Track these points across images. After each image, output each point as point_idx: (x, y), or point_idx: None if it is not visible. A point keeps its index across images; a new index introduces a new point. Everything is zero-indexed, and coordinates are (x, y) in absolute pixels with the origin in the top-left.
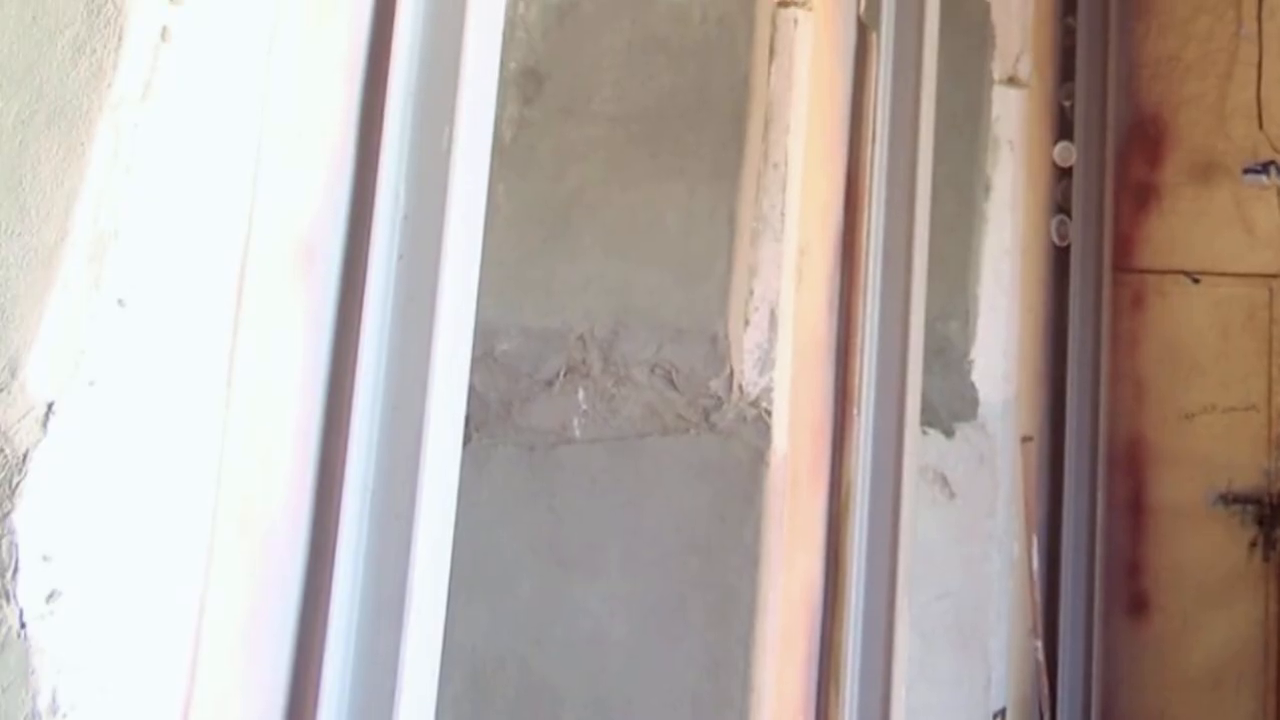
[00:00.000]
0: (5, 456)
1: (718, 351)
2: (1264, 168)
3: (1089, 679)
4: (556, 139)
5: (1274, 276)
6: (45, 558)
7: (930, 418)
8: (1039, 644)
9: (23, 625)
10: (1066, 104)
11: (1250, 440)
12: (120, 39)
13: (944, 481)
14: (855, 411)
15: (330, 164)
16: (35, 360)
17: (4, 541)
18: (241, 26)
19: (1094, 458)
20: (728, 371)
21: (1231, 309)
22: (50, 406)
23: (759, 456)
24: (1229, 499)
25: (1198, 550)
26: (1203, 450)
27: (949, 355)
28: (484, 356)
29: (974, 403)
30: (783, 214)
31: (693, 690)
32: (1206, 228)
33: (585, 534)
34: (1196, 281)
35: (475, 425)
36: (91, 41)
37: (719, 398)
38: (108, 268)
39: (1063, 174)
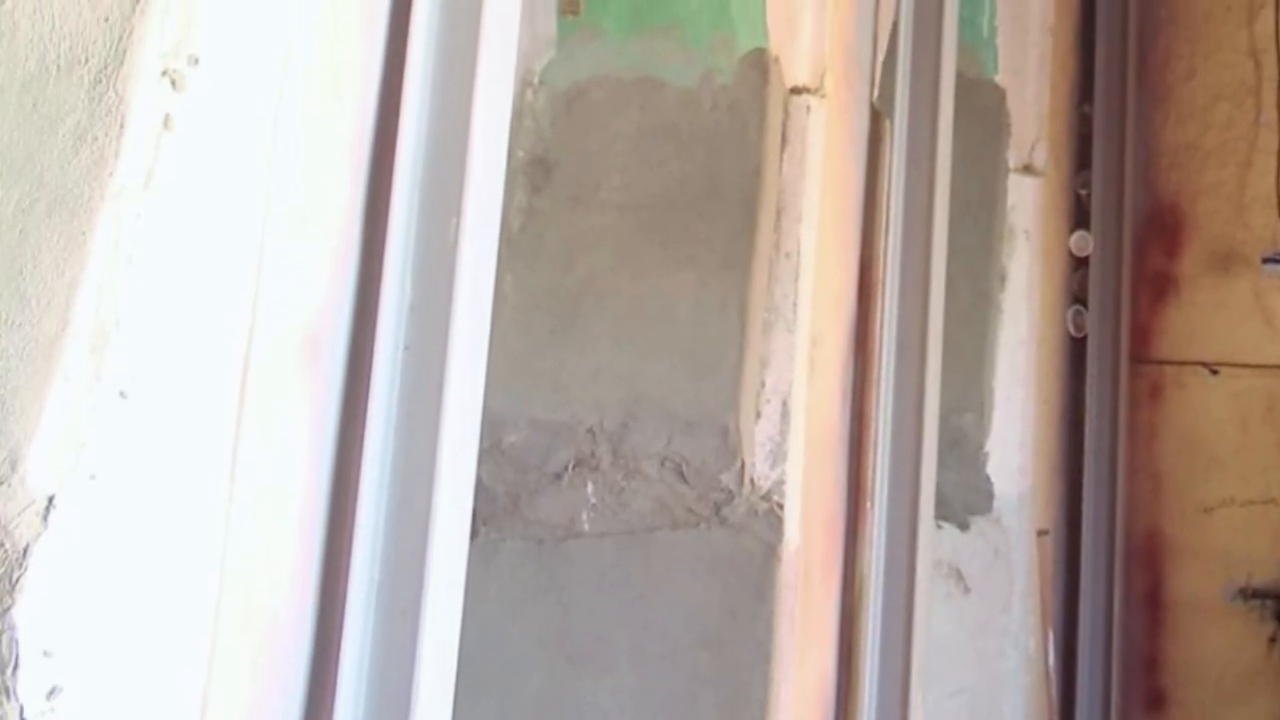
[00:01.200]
0: (5, 551)
1: (729, 444)
2: None
3: None
4: (565, 228)
5: None
6: (46, 653)
7: (944, 511)
8: None
9: None
10: (1083, 192)
11: (1270, 534)
12: (122, 127)
13: (958, 576)
14: (868, 504)
15: (335, 254)
16: (36, 453)
17: (4, 637)
18: (245, 114)
19: (1111, 552)
20: (739, 464)
21: (1251, 401)
22: (51, 500)
23: (770, 551)
24: (1248, 594)
25: (1216, 646)
26: (1221, 544)
27: (963, 448)
28: (491, 449)
29: (989, 496)
30: (795, 304)
31: None
32: (1226, 318)
33: (594, 629)
34: (1215, 373)
35: (483, 519)
36: (93, 129)
37: (730, 491)
38: (109, 359)
39: (1079, 264)
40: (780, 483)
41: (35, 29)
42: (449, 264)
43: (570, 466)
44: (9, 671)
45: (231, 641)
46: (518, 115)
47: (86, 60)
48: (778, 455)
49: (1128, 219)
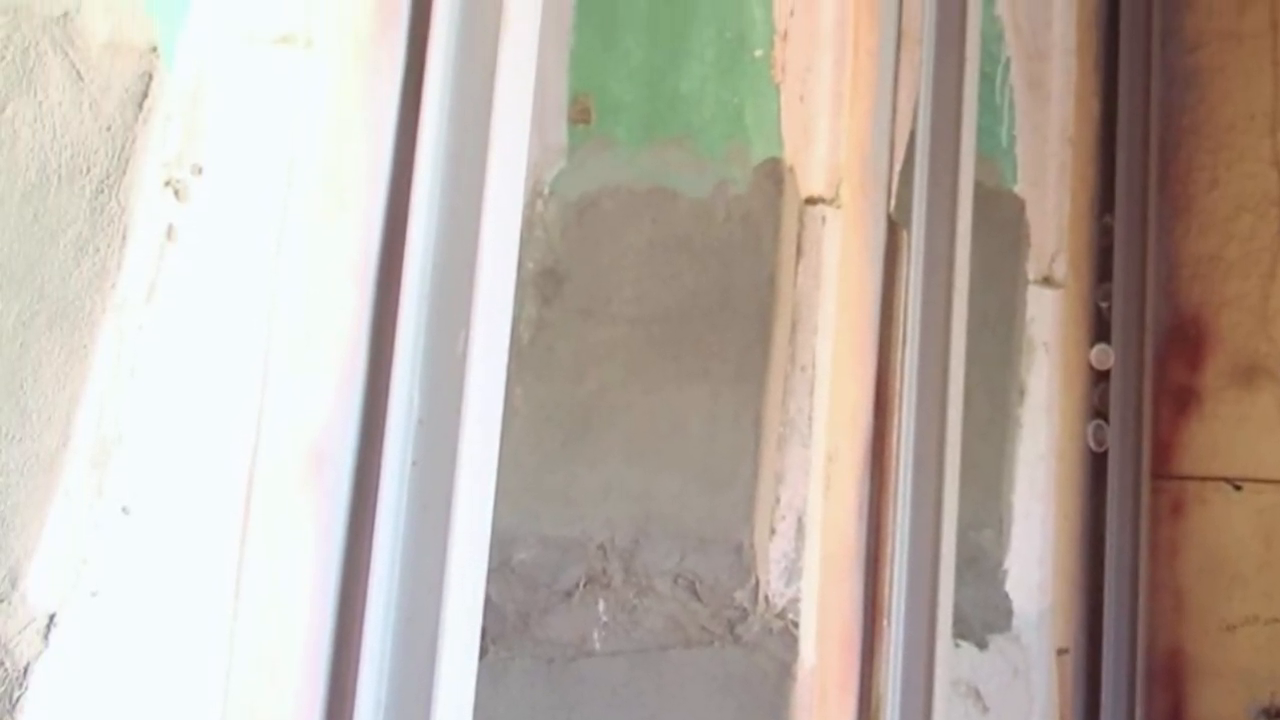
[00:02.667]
0: (5, 670)
1: (743, 561)
2: None
3: None
4: (576, 341)
5: None
6: None
7: (963, 629)
8: None
9: None
10: (1104, 305)
11: None
12: (124, 238)
13: (977, 695)
14: (885, 623)
15: (341, 367)
16: (36, 570)
17: None
18: (250, 225)
19: (1132, 671)
20: (753, 582)
21: (1275, 517)
22: (52, 618)
23: (785, 670)
24: (1272, 714)
25: None
26: (1244, 663)
27: (982, 565)
28: (501, 566)
29: (1008, 614)
30: (810, 418)
31: None
32: (1249, 433)
33: None
34: (1239, 489)
35: (492, 638)
36: (94, 241)
37: (744, 609)
38: (111, 474)
39: (1100, 377)
40: (795, 600)
41: (36, 138)
42: (458, 377)
43: (581, 584)
44: None
45: None
46: (528, 226)
47: (88, 170)
48: (793, 572)
49: (1149, 332)
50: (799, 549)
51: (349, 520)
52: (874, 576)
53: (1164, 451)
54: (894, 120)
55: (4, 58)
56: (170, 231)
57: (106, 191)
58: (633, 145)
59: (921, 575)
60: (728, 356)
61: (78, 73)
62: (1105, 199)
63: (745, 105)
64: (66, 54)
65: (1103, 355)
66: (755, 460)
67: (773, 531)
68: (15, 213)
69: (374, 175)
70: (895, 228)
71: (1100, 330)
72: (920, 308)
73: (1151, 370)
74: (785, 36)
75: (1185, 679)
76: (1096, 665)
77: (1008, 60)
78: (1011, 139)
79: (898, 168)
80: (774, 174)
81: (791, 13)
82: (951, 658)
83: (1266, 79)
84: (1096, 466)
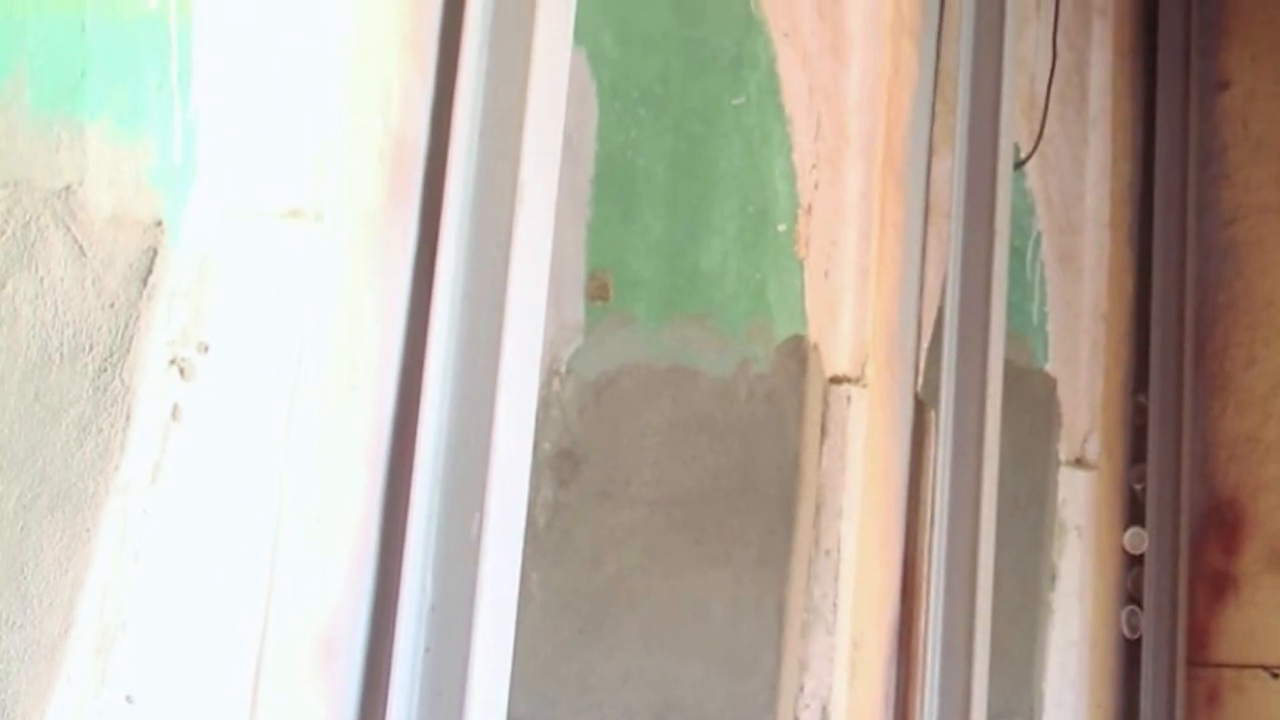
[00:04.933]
0: None
1: None
2: None
3: None
4: (594, 524)
5: None
6: None
7: None
8: None
9: None
10: (1138, 487)
11: None
12: (128, 418)
13: None
14: None
15: (352, 552)
16: None
17: None
18: (257, 405)
19: None
20: None
21: None
22: None
23: None
24: None
25: None
26: None
27: None
28: None
29: None
30: (835, 604)
31: None
32: None
33: None
34: (1276, 677)
35: None
36: (98, 421)
37: None
38: (114, 662)
39: (1134, 561)
40: None
41: (37, 315)
42: (472, 562)
43: None
44: None
45: None
46: (544, 405)
47: (91, 348)
48: None
49: (1185, 515)
50: None
51: (359, 710)
52: None
53: (1200, 638)
54: (921, 296)
55: (4, 232)
56: (175, 411)
57: (110, 370)
58: (652, 322)
59: None
60: (750, 540)
61: (80, 248)
62: (1139, 377)
63: (768, 281)
64: (68, 228)
65: (1137, 539)
66: (778, 647)
67: None
68: (16, 392)
69: (385, 353)
70: (923, 407)
71: (1134, 513)
72: (948, 490)
73: (1187, 554)
74: (809, 210)
75: None
76: None
77: (1039, 234)
78: (1043, 315)
79: (925, 345)
80: (798, 352)
81: (816, 186)
82: None
83: None
84: (1130, 654)
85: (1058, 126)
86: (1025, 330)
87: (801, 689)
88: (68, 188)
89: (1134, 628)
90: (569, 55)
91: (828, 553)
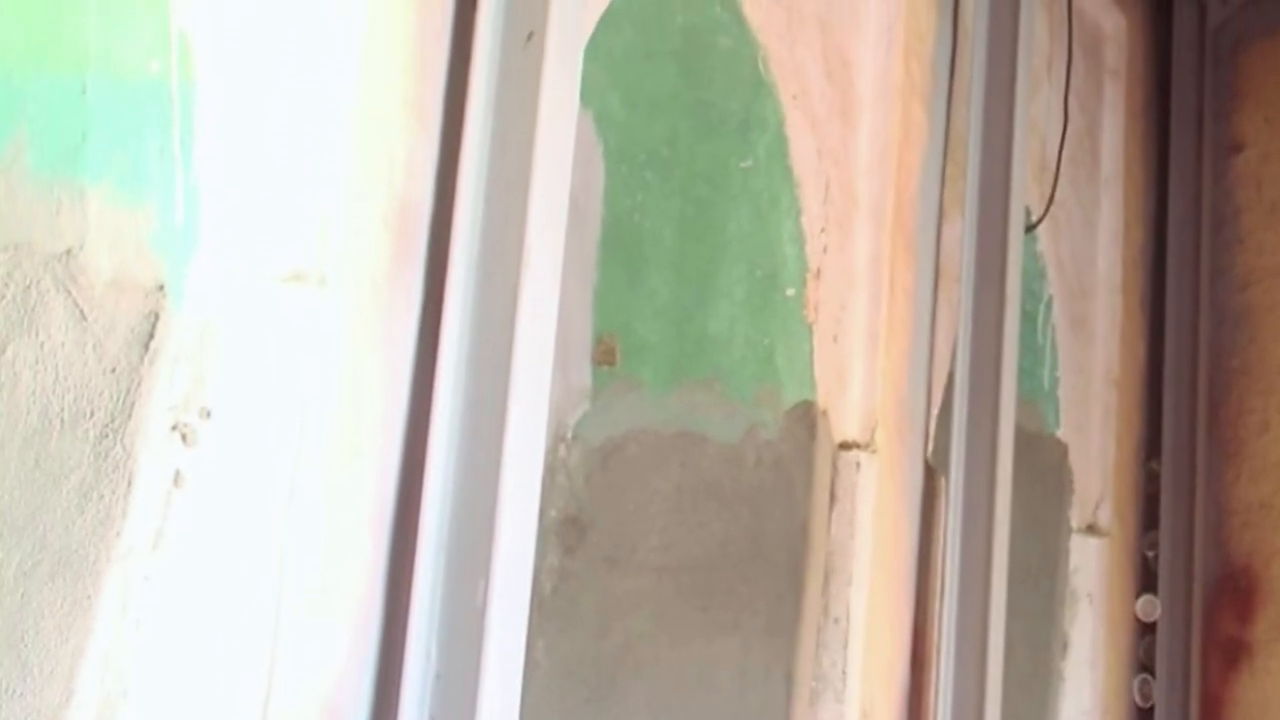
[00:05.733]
0: None
1: None
2: None
3: None
4: (600, 591)
5: None
6: None
7: None
8: None
9: None
10: (1150, 554)
11: None
12: (129, 484)
13: None
14: None
15: (355, 619)
16: None
17: None
18: (260, 471)
19: None
20: None
21: None
22: None
23: None
24: None
25: None
26: None
27: None
28: None
29: None
30: (844, 672)
31: None
32: None
33: None
34: None
35: None
36: (99, 487)
37: None
38: None
39: (1146, 629)
40: None
41: (37, 380)
42: (477, 630)
43: None
44: None
45: None
46: (550, 472)
47: (92, 414)
48: None
49: (1198, 582)
50: None
51: None
52: None
53: (1213, 707)
54: (931, 362)
55: (4, 296)
56: (177, 477)
57: (111, 436)
58: (659, 387)
59: None
60: (758, 608)
61: (81, 312)
62: (1152, 443)
63: (776, 346)
64: (69, 292)
65: (1149, 606)
66: (787, 716)
67: None
68: (16, 458)
69: (390, 419)
70: (933, 474)
71: (1146, 580)
72: (959, 557)
73: (1200, 622)
74: (818, 275)
75: None
76: None
77: (1050, 298)
78: (1054, 381)
79: (935, 411)
80: (806, 418)
81: (825, 250)
82: None
83: None
84: None
85: (1069, 190)
86: (1036, 395)
87: None
88: (68, 251)
89: (1146, 696)
90: (575, 117)
91: (837, 620)
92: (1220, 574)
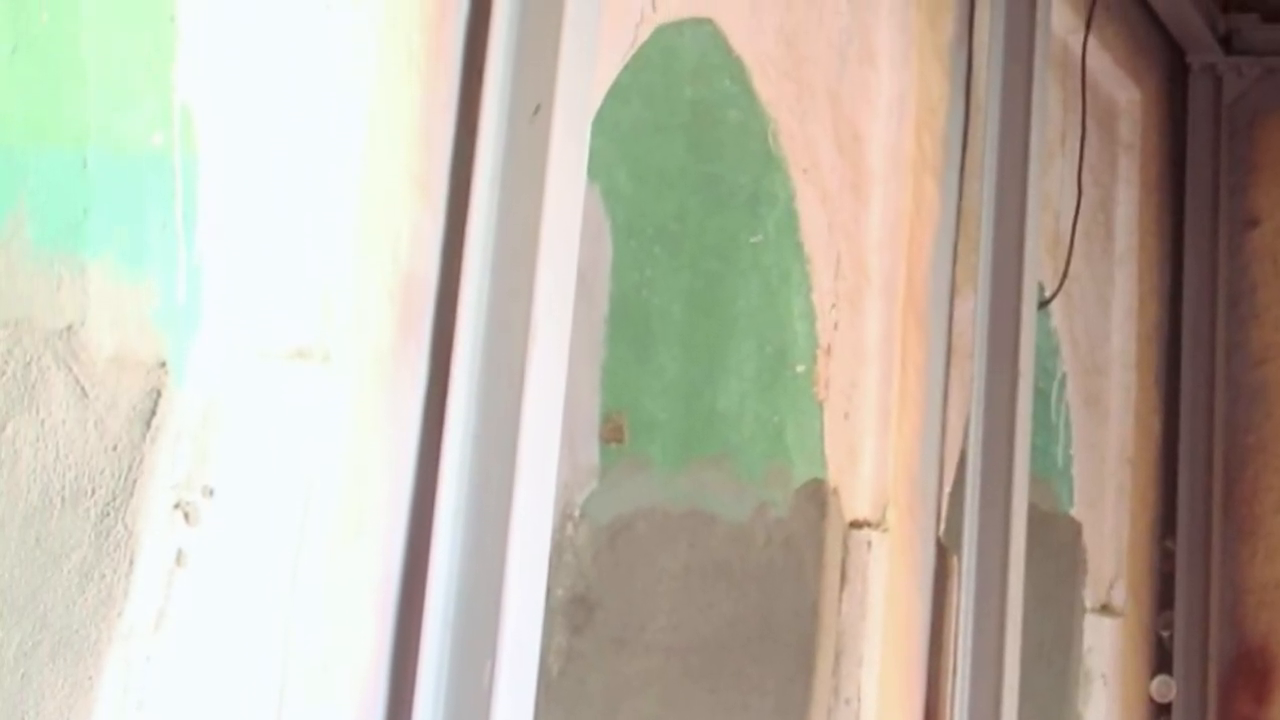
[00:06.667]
0: None
1: None
2: None
3: None
4: (608, 672)
5: None
6: None
7: None
8: None
9: None
10: (1165, 634)
11: None
12: (131, 564)
13: None
14: None
15: (360, 701)
16: None
17: None
18: (264, 550)
19: None
20: None
21: None
22: None
23: None
24: None
25: None
26: None
27: None
28: None
29: None
30: None
31: None
32: None
33: None
34: None
35: None
36: (100, 567)
37: None
38: None
39: (1161, 710)
40: None
41: (38, 458)
42: (483, 712)
43: None
44: None
45: None
46: (557, 550)
47: (93, 492)
48: None
49: (1213, 662)
50: None
51: None
52: None
53: None
54: (944, 439)
55: (4, 373)
56: (180, 557)
57: (112, 514)
58: (668, 465)
59: None
60: (768, 689)
61: (82, 389)
62: (1167, 522)
63: (786, 423)
64: (70, 369)
65: (1164, 687)
66: None
67: None
68: (16, 536)
69: (395, 497)
70: (945, 553)
71: (1161, 661)
72: (971, 637)
73: (1216, 703)
74: (829, 351)
75: None
76: None
77: (1064, 375)
78: (1068, 459)
79: (947, 489)
80: (817, 496)
81: (835, 326)
82: None
83: None
84: None
85: (1083, 265)
86: (1050, 474)
87: None
88: (69, 327)
89: None
90: (583, 192)
91: (848, 702)
92: (1236, 654)
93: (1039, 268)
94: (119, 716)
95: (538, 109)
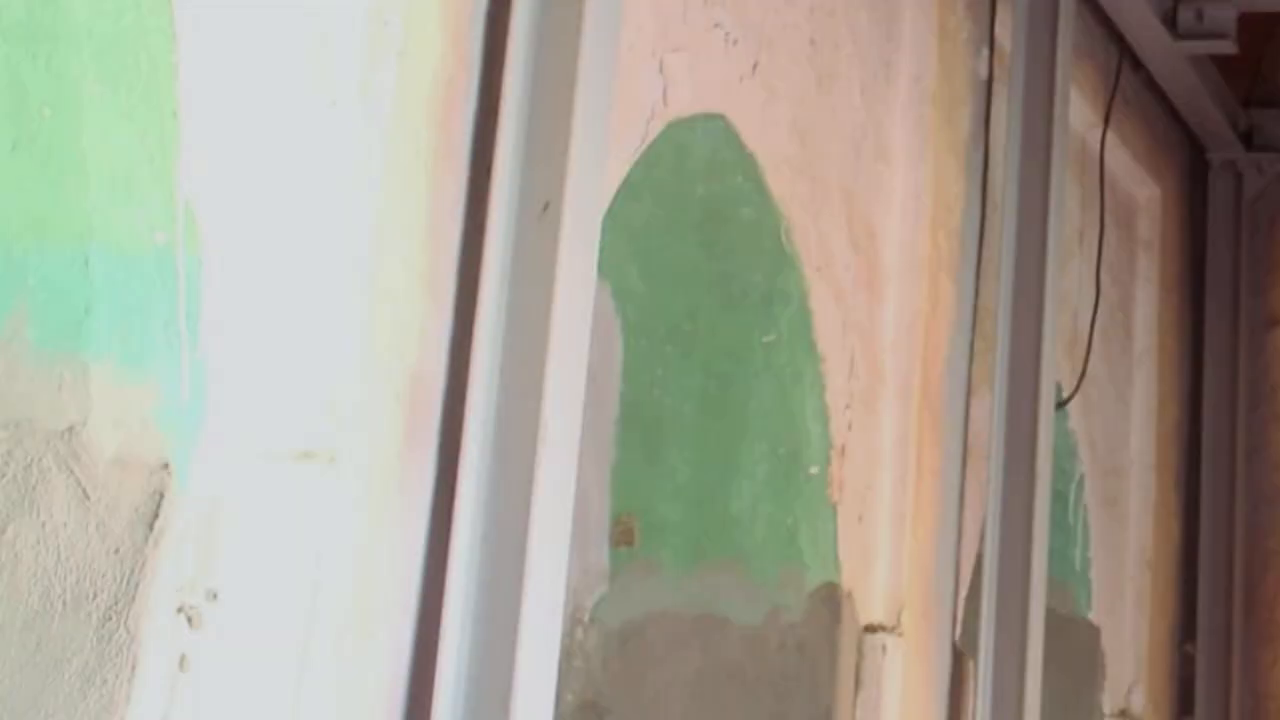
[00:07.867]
0: None
1: None
2: None
3: None
4: None
5: None
6: None
7: None
8: None
9: None
10: None
11: None
12: (134, 669)
13: None
14: None
15: None
16: None
17: None
18: (269, 655)
19: None
20: None
21: None
22: None
23: None
24: None
25: None
26: None
27: None
28: None
29: None
30: None
31: None
32: None
33: None
34: None
35: None
36: (102, 671)
37: None
38: None
39: None
40: None
41: (39, 561)
42: None
43: None
44: None
45: None
46: (566, 655)
47: (95, 596)
48: None
49: None
50: None
51: None
52: None
53: None
54: (959, 542)
55: (5, 475)
56: (183, 661)
57: (114, 618)
58: (680, 569)
59: None
60: None
61: (84, 491)
62: (1187, 626)
63: (800, 526)
64: (71, 471)
65: None
66: None
67: None
68: (17, 641)
69: (402, 601)
70: (961, 657)
71: None
72: None
73: None
74: (843, 452)
75: None
76: None
77: (1081, 477)
78: (1086, 562)
79: (963, 593)
80: (831, 600)
81: (849, 426)
82: None
83: None
84: None
85: (1101, 365)
86: (1067, 577)
87: None
88: (71, 428)
89: None
90: (593, 290)
91: None
92: None
93: (1056, 368)
94: None
95: (547, 206)
